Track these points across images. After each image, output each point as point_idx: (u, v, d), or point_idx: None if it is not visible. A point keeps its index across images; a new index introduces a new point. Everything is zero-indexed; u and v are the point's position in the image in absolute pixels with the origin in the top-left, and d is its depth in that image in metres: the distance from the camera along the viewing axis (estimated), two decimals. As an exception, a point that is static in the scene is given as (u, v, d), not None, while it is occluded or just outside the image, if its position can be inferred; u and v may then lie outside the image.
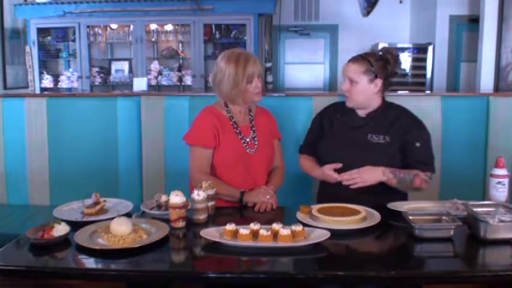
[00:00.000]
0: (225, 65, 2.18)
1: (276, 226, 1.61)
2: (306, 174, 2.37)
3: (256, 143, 2.26)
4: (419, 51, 6.32)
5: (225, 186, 2.16)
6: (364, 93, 2.18)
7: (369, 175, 2.07)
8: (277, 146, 2.40)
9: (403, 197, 2.23)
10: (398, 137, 2.18)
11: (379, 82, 2.17)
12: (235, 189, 2.15)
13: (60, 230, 1.63)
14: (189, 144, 2.26)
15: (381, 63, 2.18)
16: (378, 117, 2.23)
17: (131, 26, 6.40)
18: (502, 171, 1.96)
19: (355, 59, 2.21)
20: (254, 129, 2.29)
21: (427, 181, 2.16)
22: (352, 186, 2.08)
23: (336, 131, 2.28)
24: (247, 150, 2.23)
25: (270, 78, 6.52)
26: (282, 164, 2.42)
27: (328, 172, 2.14)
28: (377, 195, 2.06)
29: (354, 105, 2.23)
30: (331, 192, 2.17)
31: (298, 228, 1.60)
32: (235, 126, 2.25)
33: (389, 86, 2.27)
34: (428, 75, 6.29)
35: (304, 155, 2.39)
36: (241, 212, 2.09)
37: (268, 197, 2.07)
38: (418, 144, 2.17)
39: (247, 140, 2.25)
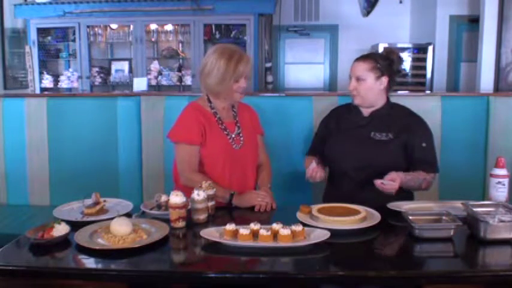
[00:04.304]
0: (217, 58, 2.15)
1: (276, 226, 1.61)
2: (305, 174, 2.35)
3: (241, 139, 2.25)
4: (419, 51, 6.31)
5: (215, 185, 2.14)
6: (372, 91, 2.22)
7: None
8: (260, 141, 2.38)
9: (409, 196, 2.25)
10: (402, 135, 2.20)
11: (385, 80, 2.22)
12: (225, 189, 2.13)
13: (60, 230, 1.63)
14: (174, 142, 2.22)
15: (386, 62, 2.23)
16: (382, 115, 2.26)
17: (131, 26, 6.39)
18: (502, 171, 1.96)
19: (362, 58, 2.25)
20: (239, 125, 2.27)
21: (431, 182, 2.20)
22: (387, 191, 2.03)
23: (342, 129, 2.31)
24: (233, 146, 2.22)
25: (270, 78, 6.51)
26: (267, 159, 2.40)
27: (308, 169, 2.15)
28: (384, 194, 2.05)
29: (361, 102, 2.25)
30: (337, 191, 2.21)
31: (298, 228, 1.60)
32: (220, 122, 2.23)
33: (394, 85, 2.30)
34: (428, 75, 6.28)
35: (307, 157, 2.41)
36: (241, 212, 2.08)
37: (259, 199, 2.06)
38: (424, 145, 2.21)
39: (233, 136, 2.24)
